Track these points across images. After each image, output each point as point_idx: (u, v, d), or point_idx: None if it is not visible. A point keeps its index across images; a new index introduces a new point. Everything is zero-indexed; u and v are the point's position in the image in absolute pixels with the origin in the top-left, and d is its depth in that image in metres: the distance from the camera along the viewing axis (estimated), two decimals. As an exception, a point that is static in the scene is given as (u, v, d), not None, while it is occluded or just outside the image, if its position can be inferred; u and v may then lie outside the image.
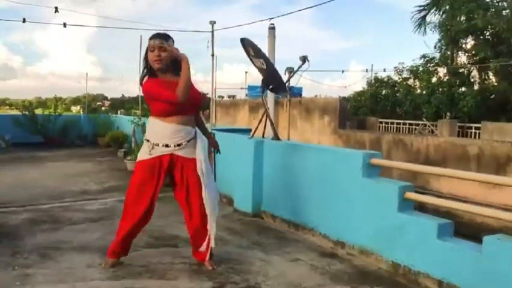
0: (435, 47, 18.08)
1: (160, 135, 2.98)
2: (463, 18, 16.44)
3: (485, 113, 14.93)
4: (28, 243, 3.65)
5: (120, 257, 3.19)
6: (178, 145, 2.97)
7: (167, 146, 2.97)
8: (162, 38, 2.91)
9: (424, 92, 16.76)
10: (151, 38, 2.94)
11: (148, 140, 3.02)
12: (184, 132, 2.99)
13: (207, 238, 3.05)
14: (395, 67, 18.71)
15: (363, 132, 12.68)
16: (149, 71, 2.99)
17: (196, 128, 3.13)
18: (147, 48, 2.96)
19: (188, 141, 3.01)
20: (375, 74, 19.94)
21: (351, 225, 3.53)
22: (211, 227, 3.04)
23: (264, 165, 4.61)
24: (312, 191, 3.95)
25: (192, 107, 3.05)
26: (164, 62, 2.91)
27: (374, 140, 11.32)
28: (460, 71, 17.09)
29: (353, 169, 3.48)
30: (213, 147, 3.44)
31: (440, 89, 16.18)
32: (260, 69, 4.40)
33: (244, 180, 4.74)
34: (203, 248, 3.08)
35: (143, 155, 3.06)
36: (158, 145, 2.97)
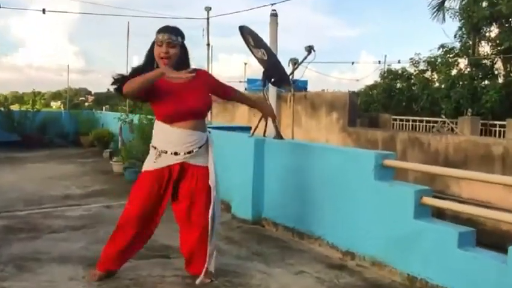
0: (455, 36, 18.10)
1: (168, 141, 2.92)
2: (485, 3, 16.42)
3: (511, 109, 14.92)
4: (3, 253, 3.65)
5: (110, 271, 3.15)
6: (189, 152, 2.92)
7: (176, 153, 2.91)
8: (171, 33, 2.86)
9: (443, 86, 16.77)
10: (159, 32, 2.88)
11: (154, 147, 2.97)
12: (195, 138, 2.94)
13: (206, 256, 3.00)
14: (411, 58, 18.77)
15: (376, 130, 12.68)
16: (146, 65, 2.92)
17: (208, 133, 3.08)
18: (153, 42, 2.90)
19: (199, 147, 2.96)
20: (389, 65, 19.99)
21: (361, 233, 3.53)
22: (212, 246, 3.01)
23: (265, 166, 4.61)
24: (319, 196, 3.95)
25: (200, 112, 3.01)
26: (172, 60, 2.86)
27: (387, 138, 11.32)
28: (483, 62, 17.08)
29: (364, 171, 3.48)
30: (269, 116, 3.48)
31: (461, 83, 16.17)
32: (261, 61, 4.41)
33: (244, 183, 4.74)
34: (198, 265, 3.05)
35: (150, 163, 2.99)
36: (166, 152, 2.91)
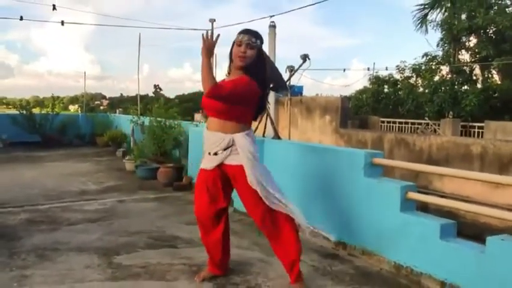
0: (437, 45, 18.11)
1: (204, 142, 2.89)
2: (464, 16, 16.43)
3: (489, 111, 14.91)
4: (26, 244, 3.66)
5: (216, 272, 3.01)
6: (215, 154, 2.80)
7: (209, 154, 2.83)
8: (252, 35, 2.74)
9: (426, 91, 16.73)
10: (240, 33, 2.76)
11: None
12: (215, 139, 2.78)
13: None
14: (397, 66, 18.69)
15: (365, 131, 12.67)
16: (229, 67, 2.85)
17: (238, 135, 2.76)
18: (233, 42, 2.78)
19: (224, 149, 2.77)
20: (377, 72, 19.94)
21: (353, 225, 3.53)
22: (295, 214, 2.82)
23: (265, 164, 4.59)
24: (314, 191, 3.94)
25: (212, 109, 2.79)
26: (248, 61, 2.73)
27: (375, 139, 11.30)
28: (463, 69, 17.07)
29: (355, 168, 3.47)
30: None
31: (443, 88, 16.14)
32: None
33: (245, 180, 4.72)
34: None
35: (202, 162, 2.94)
36: (205, 153, 2.89)
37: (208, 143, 2.84)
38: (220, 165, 2.82)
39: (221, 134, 2.77)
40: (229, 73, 2.91)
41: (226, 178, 2.87)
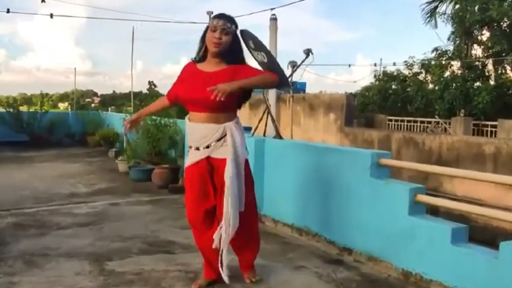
0: (448, 40, 18.08)
1: (190, 136, 2.89)
2: (477, 8, 16.42)
3: (502, 109, 14.88)
4: (13, 249, 3.66)
5: (213, 277, 3.00)
6: (207, 147, 2.80)
7: (198, 149, 2.83)
8: (227, 20, 2.75)
9: (437, 88, 16.73)
10: (214, 17, 2.78)
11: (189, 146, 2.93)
12: (207, 131, 2.78)
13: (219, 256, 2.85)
14: (405, 61, 18.70)
15: (371, 130, 12.67)
16: (199, 51, 2.85)
17: (230, 124, 2.80)
18: (206, 27, 2.79)
19: (217, 140, 2.79)
20: (384, 68, 19.95)
21: (358, 230, 3.53)
22: (224, 246, 2.81)
23: (265, 165, 4.61)
24: (317, 194, 3.94)
25: (206, 106, 2.74)
26: (222, 47, 2.74)
27: (382, 138, 11.31)
28: (475, 64, 17.06)
29: (361, 170, 3.47)
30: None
31: (454, 84, 16.13)
32: (261, 63, 4.39)
33: (244, 181, 4.73)
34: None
35: (187, 159, 2.95)
36: (191, 147, 2.88)
37: (198, 137, 2.82)
38: (208, 158, 2.84)
39: (214, 125, 2.77)
40: (197, 59, 2.89)
41: (213, 171, 2.87)
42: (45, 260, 3.43)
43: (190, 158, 2.90)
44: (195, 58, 2.92)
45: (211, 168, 2.86)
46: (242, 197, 2.84)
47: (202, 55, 2.86)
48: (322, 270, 3.34)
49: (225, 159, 2.78)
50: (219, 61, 2.80)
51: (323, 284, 3.11)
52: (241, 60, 2.90)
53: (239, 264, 3.11)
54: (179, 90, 2.89)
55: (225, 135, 2.79)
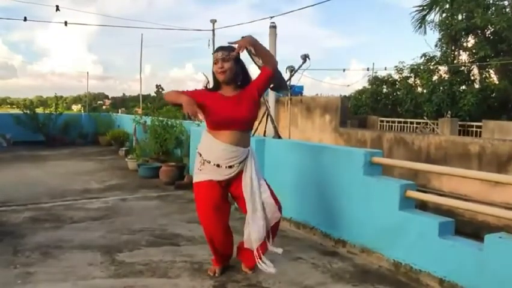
0: (436, 46, 18.08)
1: (212, 153, 2.85)
2: (462, 17, 16.42)
3: (486, 111, 14.91)
4: (30, 241, 3.66)
5: (224, 264, 3.09)
6: (230, 167, 2.84)
7: (218, 166, 2.83)
8: (225, 50, 2.85)
9: (425, 91, 16.74)
10: (214, 52, 2.92)
11: (200, 154, 2.92)
12: (237, 154, 2.83)
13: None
14: (396, 66, 18.68)
15: (364, 130, 12.67)
16: (215, 84, 2.93)
17: (250, 148, 2.94)
18: (213, 62, 2.89)
19: (240, 162, 2.86)
20: (376, 72, 19.93)
21: (352, 223, 3.53)
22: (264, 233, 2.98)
23: (265, 163, 4.60)
24: (314, 190, 3.94)
25: (243, 123, 2.86)
26: (228, 74, 2.83)
27: (375, 138, 11.31)
28: (461, 69, 17.06)
29: (355, 167, 3.47)
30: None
31: (441, 88, 16.15)
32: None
33: (245, 178, 4.72)
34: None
35: (196, 173, 2.93)
36: (210, 162, 2.84)
37: (222, 156, 2.82)
38: (219, 181, 2.89)
39: (241, 148, 2.85)
40: (207, 88, 2.97)
41: (228, 185, 2.95)
42: (60, 251, 3.43)
43: (212, 174, 2.87)
44: (207, 87, 2.99)
45: (227, 184, 2.92)
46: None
47: (216, 85, 2.93)
48: (318, 261, 3.34)
49: (241, 172, 2.88)
50: (233, 88, 2.90)
51: (318, 274, 3.11)
52: (250, 81, 2.97)
53: (239, 253, 3.13)
54: (211, 111, 2.83)
55: (247, 157, 2.89)
